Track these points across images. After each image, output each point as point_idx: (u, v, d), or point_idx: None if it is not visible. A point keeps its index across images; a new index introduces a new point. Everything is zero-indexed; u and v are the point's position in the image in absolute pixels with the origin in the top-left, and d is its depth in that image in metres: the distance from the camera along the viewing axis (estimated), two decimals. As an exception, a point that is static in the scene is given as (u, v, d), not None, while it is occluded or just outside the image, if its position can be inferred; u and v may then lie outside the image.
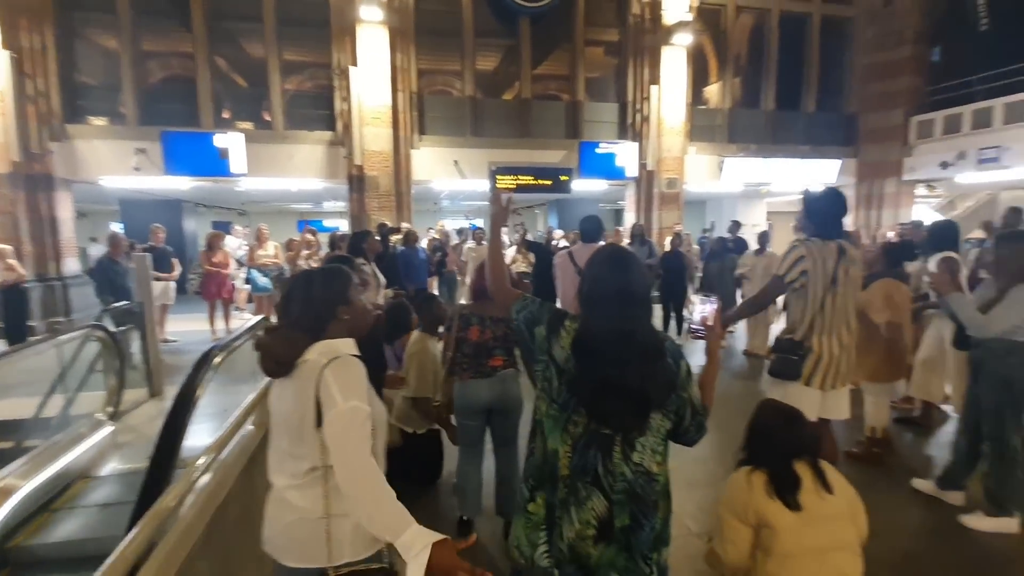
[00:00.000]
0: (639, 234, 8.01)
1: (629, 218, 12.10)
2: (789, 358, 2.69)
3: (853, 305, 2.71)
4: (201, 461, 1.88)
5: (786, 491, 1.78)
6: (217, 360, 2.35)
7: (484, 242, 9.40)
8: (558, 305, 3.23)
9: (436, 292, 8.36)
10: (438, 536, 1.21)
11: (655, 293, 7.98)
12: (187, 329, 8.27)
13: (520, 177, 11.03)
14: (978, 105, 11.27)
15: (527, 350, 1.58)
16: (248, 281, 8.51)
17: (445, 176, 11.07)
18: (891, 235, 8.59)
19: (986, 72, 11.23)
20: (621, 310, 1.47)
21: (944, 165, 11.75)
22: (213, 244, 8.17)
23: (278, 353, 1.44)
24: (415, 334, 3.49)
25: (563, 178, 11.29)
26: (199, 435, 2.33)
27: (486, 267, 1.77)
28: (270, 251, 8.42)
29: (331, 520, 1.37)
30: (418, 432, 3.52)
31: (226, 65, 11.42)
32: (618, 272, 1.51)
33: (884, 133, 12.86)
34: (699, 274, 8.85)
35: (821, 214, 2.69)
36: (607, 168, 11.60)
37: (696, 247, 11.46)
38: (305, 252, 7.86)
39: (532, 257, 6.39)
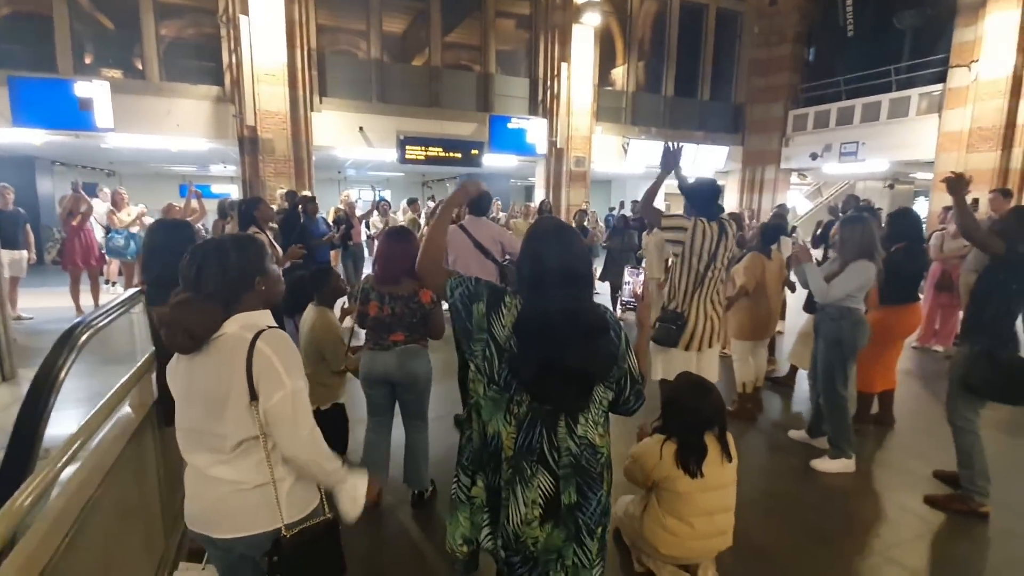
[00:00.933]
0: (547, 211, 8.19)
1: (540, 194, 12.31)
2: (670, 327, 2.97)
3: (725, 277, 3.03)
4: (66, 452, 1.67)
5: (693, 461, 1.98)
6: (83, 339, 2.08)
7: (393, 214, 9.12)
8: None
9: (341, 266, 7.99)
10: (365, 474, 1.53)
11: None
12: (46, 305, 7.24)
13: (430, 149, 10.76)
14: (842, 104, 12.71)
15: (463, 330, 1.48)
16: (108, 245, 7.59)
17: (350, 143, 10.52)
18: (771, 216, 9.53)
19: (850, 74, 12.65)
20: (566, 288, 1.41)
21: (814, 156, 13.18)
22: (73, 208, 7.16)
23: (192, 327, 1.34)
24: (311, 309, 3.33)
25: (474, 152, 11.18)
26: (67, 423, 2.07)
27: (424, 243, 1.64)
28: (133, 215, 7.55)
29: (276, 484, 1.38)
30: (321, 408, 3.40)
31: (88, 3, 9.88)
32: (561, 248, 1.44)
33: (766, 124, 14.13)
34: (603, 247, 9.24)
35: (702, 200, 2.94)
36: (518, 144, 11.65)
37: (602, 225, 11.96)
38: (189, 220, 7.13)
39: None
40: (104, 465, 1.91)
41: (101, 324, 2.31)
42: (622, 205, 12.02)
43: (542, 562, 1.47)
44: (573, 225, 7.77)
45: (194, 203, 6.84)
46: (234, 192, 14.52)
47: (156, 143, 9.76)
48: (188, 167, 15.77)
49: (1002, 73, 9.34)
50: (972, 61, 9.81)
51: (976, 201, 7.12)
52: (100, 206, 8.12)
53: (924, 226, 4.70)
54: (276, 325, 1.44)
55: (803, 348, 4.56)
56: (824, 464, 3.40)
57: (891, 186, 16.13)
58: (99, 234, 7.79)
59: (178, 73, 9.43)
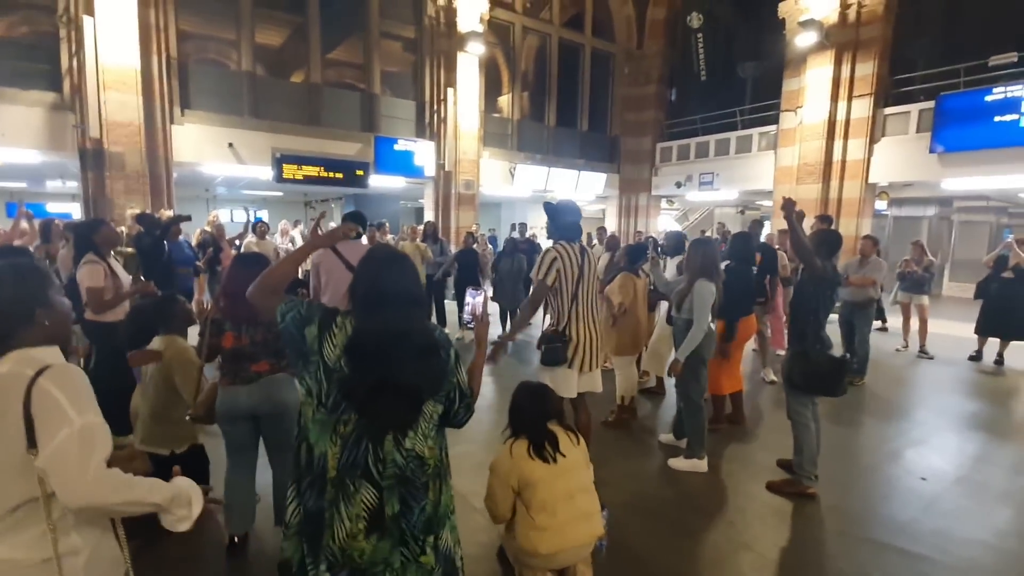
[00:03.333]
0: (431, 232, 8.18)
1: (429, 216, 12.27)
2: (555, 347, 3.05)
3: (596, 295, 3.21)
4: None
5: (544, 448, 2.11)
6: None
7: (267, 237, 8.54)
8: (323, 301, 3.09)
9: (208, 294, 7.28)
10: (194, 485, 1.37)
11: (451, 289, 8.25)
12: None
13: (306, 167, 10.27)
14: (700, 139, 14.31)
15: (298, 354, 1.49)
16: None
17: (218, 159, 9.71)
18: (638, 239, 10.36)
19: (705, 113, 14.29)
20: (397, 311, 1.48)
21: (678, 185, 14.63)
22: None
23: None
24: (158, 339, 3.00)
25: (359, 172, 10.88)
26: None
27: (271, 271, 1.62)
28: (-46, 240, 6.32)
29: (64, 559, 1.15)
30: (176, 452, 3.04)
31: None
32: (392, 273, 1.52)
33: (638, 155, 15.46)
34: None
35: (563, 221, 3.12)
36: (405, 166, 11.56)
37: (490, 247, 12.18)
38: (17, 243, 6.07)
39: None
40: None
41: None
42: (513, 228, 12.36)
43: (370, 574, 1.47)
44: (462, 245, 7.90)
45: (24, 224, 5.85)
46: (75, 212, 12.73)
47: (-28, 154, 8.28)
48: (17, 183, 13.54)
49: (820, 117, 11.11)
50: (798, 107, 11.56)
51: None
52: None
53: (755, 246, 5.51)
54: (65, 363, 1.25)
55: (653, 357, 4.99)
56: (679, 463, 3.71)
57: (742, 212, 18.37)
58: None
59: (5, 76, 8.13)
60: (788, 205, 3.27)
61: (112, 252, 4.03)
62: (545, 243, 7.79)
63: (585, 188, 14.79)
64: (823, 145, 11.10)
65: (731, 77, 14.97)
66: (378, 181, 11.41)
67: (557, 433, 2.17)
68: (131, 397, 3.28)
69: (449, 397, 1.57)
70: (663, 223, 17.24)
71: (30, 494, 1.14)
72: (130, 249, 5.72)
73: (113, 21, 8.00)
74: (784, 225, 4.32)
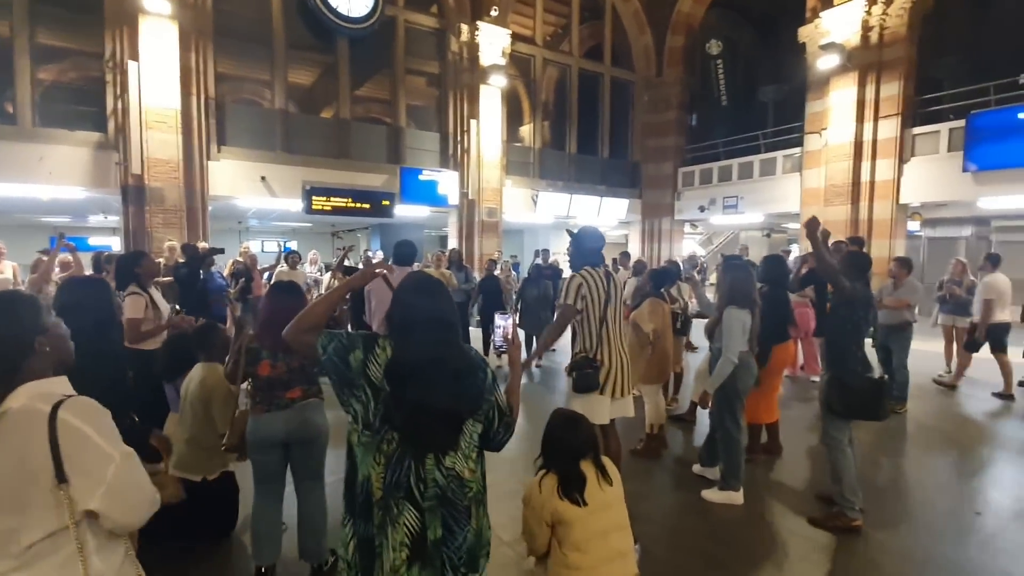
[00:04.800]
0: (456, 260, 8.27)
1: (453, 244, 12.42)
2: (587, 372, 3.01)
3: (622, 320, 3.17)
4: None
5: (573, 490, 2.02)
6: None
7: (299, 267, 8.74)
8: (374, 328, 3.13)
9: (239, 321, 7.44)
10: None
11: (476, 316, 8.27)
12: None
13: (334, 199, 10.57)
14: (722, 163, 14.25)
15: (343, 382, 1.50)
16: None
17: (251, 193, 10.07)
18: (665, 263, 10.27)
19: (726, 138, 14.28)
20: (433, 335, 1.50)
21: (702, 209, 14.53)
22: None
23: None
24: (199, 366, 3.06)
25: (384, 203, 11.14)
26: None
27: (305, 313, 1.63)
28: (8, 273, 6.64)
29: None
30: (208, 479, 3.07)
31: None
32: (426, 298, 1.55)
33: (659, 180, 15.46)
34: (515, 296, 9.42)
35: (587, 247, 3.11)
36: (430, 195, 11.79)
37: (514, 274, 12.22)
38: (60, 274, 6.34)
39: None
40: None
41: None
42: (536, 254, 12.38)
43: None
44: (485, 273, 7.96)
45: (67, 257, 6.13)
46: (115, 244, 13.28)
47: (24, 191, 8.76)
48: (61, 218, 14.24)
49: (846, 139, 10.97)
50: (823, 129, 11.46)
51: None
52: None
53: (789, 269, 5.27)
54: (74, 393, 1.25)
55: (700, 385, 4.84)
56: (713, 495, 3.56)
57: (768, 235, 18.10)
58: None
59: (54, 118, 8.64)
60: (811, 224, 3.19)
61: (152, 283, 4.18)
62: (567, 270, 7.80)
63: (607, 214, 14.81)
64: (850, 166, 10.93)
65: (752, 101, 14.99)
66: (403, 211, 11.65)
67: (588, 475, 2.08)
68: (165, 423, 3.35)
69: (488, 416, 1.57)
70: (687, 247, 17.09)
71: (58, 524, 1.13)
72: (168, 279, 5.94)
73: (156, 65, 8.48)
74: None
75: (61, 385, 1.25)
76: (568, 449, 2.11)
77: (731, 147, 14.16)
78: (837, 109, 11.10)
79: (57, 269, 6.14)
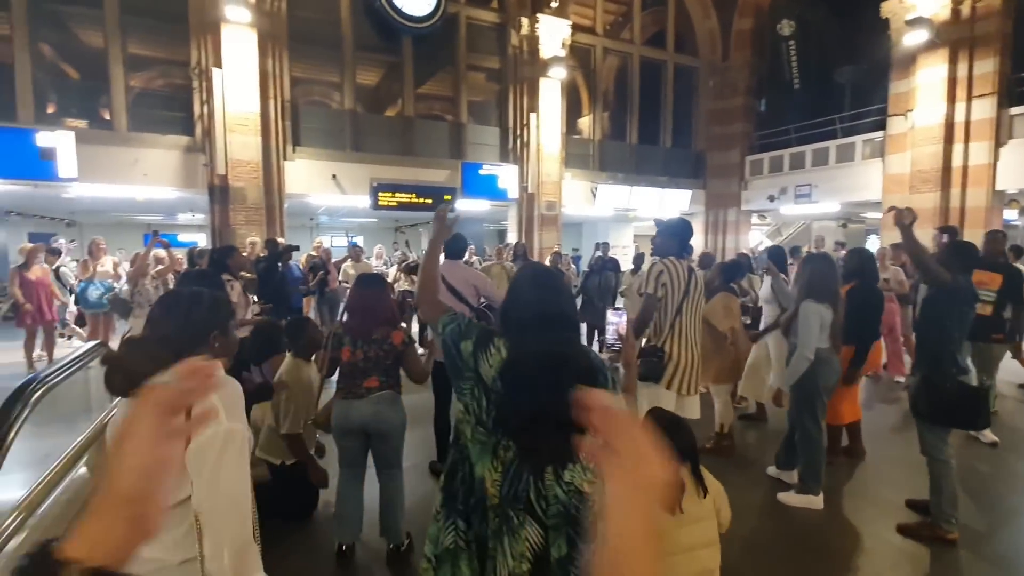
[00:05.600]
0: (521, 253, 8.31)
1: (512, 238, 12.50)
2: (652, 360, 2.98)
3: (700, 316, 3.10)
4: (12, 520, 1.55)
5: (671, 496, 1.89)
6: (36, 396, 1.97)
7: (364, 259, 9.09)
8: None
9: (314, 314, 7.88)
10: None
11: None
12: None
13: (399, 194, 10.89)
14: (794, 150, 13.49)
15: (453, 367, 1.45)
16: (78, 300, 7.34)
17: (323, 191, 10.57)
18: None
19: (799, 123, 13.50)
20: (552, 333, 1.38)
21: (771, 198, 13.84)
22: (30, 259, 6.93)
23: (132, 367, 1.22)
24: (288, 360, 3.26)
25: (446, 197, 11.36)
26: (13, 488, 1.95)
27: (419, 279, 1.67)
28: (108, 267, 7.34)
29: (203, 563, 1.15)
30: (287, 463, 3.28)
31: (53, 53, 9.89)
32: (546, 293, 1.43)
33: (725, 169, 14.84)
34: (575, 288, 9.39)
35: (675, 237, 3.06)
36: (490, 189, 11.91)
37: (573, 267, 12.15)
38: (157, 268, 6.94)
39: (415, 278, 6.35)
40: (54, 534, 1.79)
41: (55, 380, 2.19)
42: (597, 247, 12.22)
43: None
44: (555, 265, 8.00)
45: (161, 252, 6.69)
46: (201, 240, 14.30)
47: (122, 192, 9.62)
48: (154, 216, 15.52)
49: (935, 120, 10.11)
50: (908, 110, 10.61)
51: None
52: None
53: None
54: (225, 375, 1.34)
55: (752, 380, 4.66)
56: (790, 498, 3.43)
57: (844, 225, 17.00)
58: (56, 287, 7.53)
59: (146, 123, 9.41)
60: (900, 212, 2.92)
61: (240, 276, 4.50)
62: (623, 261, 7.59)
63: (669, 205, 14.40)
64: (940, 150, 10.07)
65: (827, 83, 14.07)
66: (464, 205, 11.84)
67: (685, 481, 1.95)
68: (251, 408, 3.59)
69: None
70: (754, 239, 16.35)
71: (182, 494, 1.15)
72: (251, 274, 6.36)
73: (237, 71, 9.04)
74: (897, 239, 3.93)
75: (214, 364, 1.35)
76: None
77: (804, 132, 13.37)
78: (924, 89, 10.24)
79: (153, 263, 6.72)
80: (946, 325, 2.94)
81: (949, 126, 10.00)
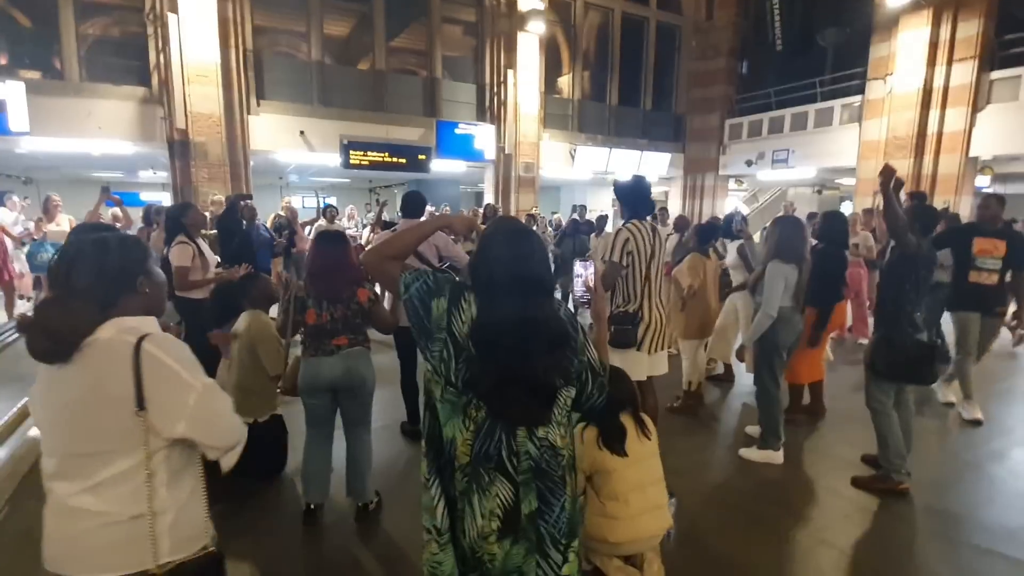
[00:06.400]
0: (492, 216, 8.19)
1: (489, 199, 12.31)
2: (626, 328, 2.97)
3: (663, 276, 3.09)
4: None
5: (614, 442, 2.03)
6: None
7: (337, 221, 8.86)
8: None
9: (286, 281, 7.67)
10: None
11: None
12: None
13: (371, 153, 10.54)
14: (773, 113, 13.42)
15: (422, 329, 1.34)
16: (30, 259, 7.01)
17: (290, 147, 10.15)
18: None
19: (779, 86, 13.38)
20: (525, 296, 1.31)
21: (749, 163, 13.84)
22: None
23: (56, 329, 1.16)
24: (245, 314, 3.17)
25: (420, 157, 11.06)
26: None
27: (387, 242, 1.52)
28: (64, 226, 7.00)
29: (155, 518, 1.20)
30: (258, 420, 3.23)
31: (3, 1, 9.12)
32: (519, 252, 1.34)
33: (705, 133, 14.73)
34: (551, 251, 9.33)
35: (632, 198, 3.00)
36: (466, 149, 11.62)
37: (550, 230, 12.07)
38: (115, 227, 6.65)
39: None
40: (5, 491, 1.73)
41: (10, 340, 2.09)
42: (573, 209, 12.14)
43: None
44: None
45: (116, 211, 6.37)
46: (165, 200, 13.73)
47: (76, 147, 9.09)
48: (113, 173, 14.79)
49: (913, 86, 10.13)
50: (887, 74, 10.59)
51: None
52: (7, 216, 7.48)
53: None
54: (164, 332, 1.29)
55: (720, 342, 4.75)
56: (751, 453, 3.54)
57: (819, 191, 17.18)
58: (11, 246, 7.16)
59: (100, 73, 8.83)
60: (887, 172, 2.92)
61: (199, 234, 4.31)
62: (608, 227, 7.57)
63: (648, 169, 14.28)
64: (916, 116, 10.14)
65: (810, 45, 13.89)
66: (439, 166, 11.55)
67: (628, 427, 2.10)
68: (216, 370, 3.51)
69: (581, 379, 1.39)
70: (730, 204, 16.43)
71: (133, 451, 1.18)
72: (213, 231, 6.10)
73: (195, 17, 8.47)
74: (869, 205, 3.96)
75: (150, 324, 1.29)
76: (609, 402, 2.12)
77: (784, 96, 13.28)
78: (905, 52, 10.22)
79: (112, 221, 6.41)
80: (906, 288, 3.00)
81: (927, 91, 10.04)
